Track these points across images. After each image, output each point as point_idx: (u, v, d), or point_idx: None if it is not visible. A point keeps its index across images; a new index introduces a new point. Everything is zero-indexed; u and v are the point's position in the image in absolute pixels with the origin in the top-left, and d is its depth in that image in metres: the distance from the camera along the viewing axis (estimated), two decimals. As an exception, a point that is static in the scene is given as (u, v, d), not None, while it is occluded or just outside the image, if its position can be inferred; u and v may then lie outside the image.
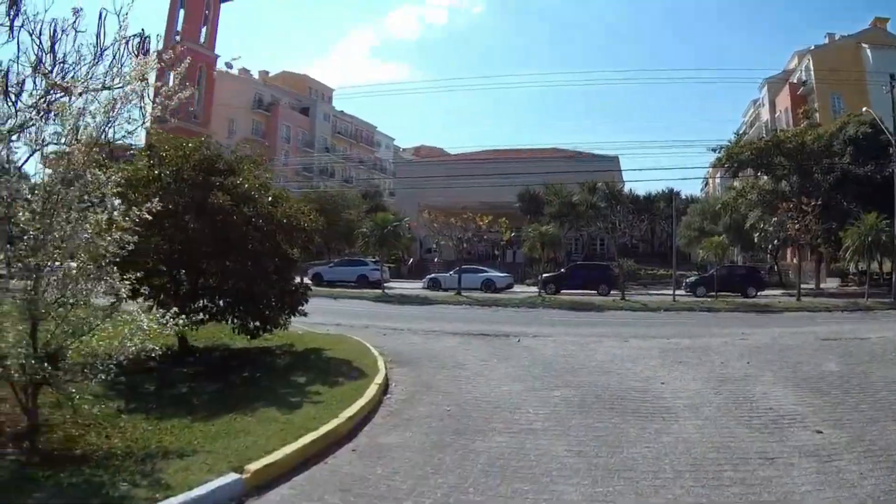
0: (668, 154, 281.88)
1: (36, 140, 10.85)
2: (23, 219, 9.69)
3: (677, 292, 51.93)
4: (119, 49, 11.65)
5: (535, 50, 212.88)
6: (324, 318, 30.30)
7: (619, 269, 53.39)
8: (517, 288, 61.01)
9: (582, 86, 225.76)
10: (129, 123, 11.74)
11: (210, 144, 20.89)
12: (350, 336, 25.06)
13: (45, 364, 9.63)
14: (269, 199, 20.34)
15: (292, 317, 21.35)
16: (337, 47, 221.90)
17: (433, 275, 63.38)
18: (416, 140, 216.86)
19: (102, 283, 10.30)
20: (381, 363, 18.78)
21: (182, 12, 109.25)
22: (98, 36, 11.46)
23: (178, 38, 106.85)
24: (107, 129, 11.17)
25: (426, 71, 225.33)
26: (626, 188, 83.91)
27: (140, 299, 18.88)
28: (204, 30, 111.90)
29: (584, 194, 71.52)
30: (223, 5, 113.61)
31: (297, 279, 24.04)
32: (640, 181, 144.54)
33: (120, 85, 11.44)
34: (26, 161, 11.02)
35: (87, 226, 10.12)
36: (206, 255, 18.79)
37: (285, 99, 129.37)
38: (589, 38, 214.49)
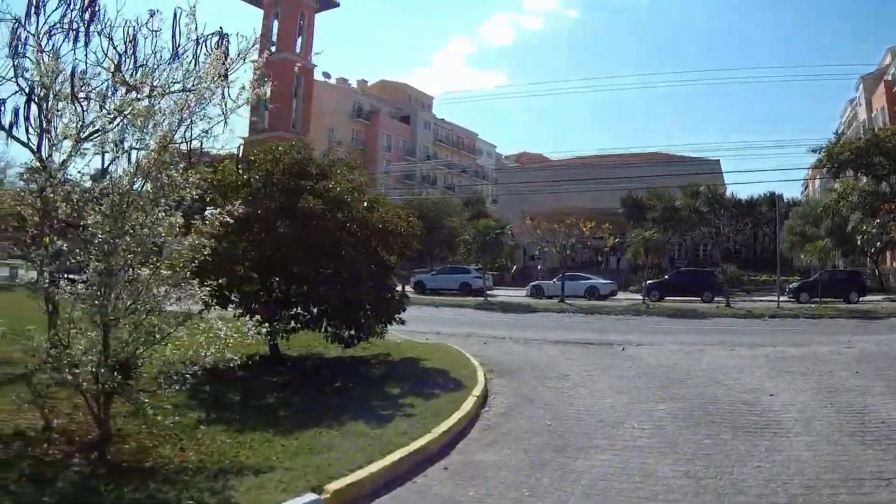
0: (768, 157, 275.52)
1: (118, 144, 10.42)
2: (91, 221, 9.21)
3: (780, 298, 50.24)
4: (197, 49, 11.27)
5: (632, 53, 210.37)
6: (424, 326, 29.81)
7: (722, 274, 51.63)
8: (620, 295, 59.58)
9: (679, 86, 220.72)
10: (205, 122, 10.96)
11: (301, 148, 20.42)
12: (449, 345, 24.37)
13: (116, 373, 9.18)
14: (364, 203, 19.84)
15: (389, 325, 20.82)
16: (435, 57, 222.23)
17: (536, 282, 62.10)
18: (517, 147, 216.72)
19: (177, 289, 9.77)
20: (480, 374, 18.06)
21: (276, 23, 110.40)
22: (174, 36, 11.23)
23: (273, 48, 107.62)
24: (181, 129, 10.57)
25: (524, 77, 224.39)
26: (728, 192, 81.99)
27: (231, 306, 18.68)
28: (300, 40, 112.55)
29: (687, 198, 69.83)
30: (319, 16, 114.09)
31: (396, 286, 23.06)
32: (741, 184, 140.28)
33: (196, 85, 10.86)
34: (108, 165, 10.67)
35: (161, 229, 9.58)
36: (297, 261, 18.34)
37: (385, 108, 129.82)
38: (685, 40, 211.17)
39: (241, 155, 19.61)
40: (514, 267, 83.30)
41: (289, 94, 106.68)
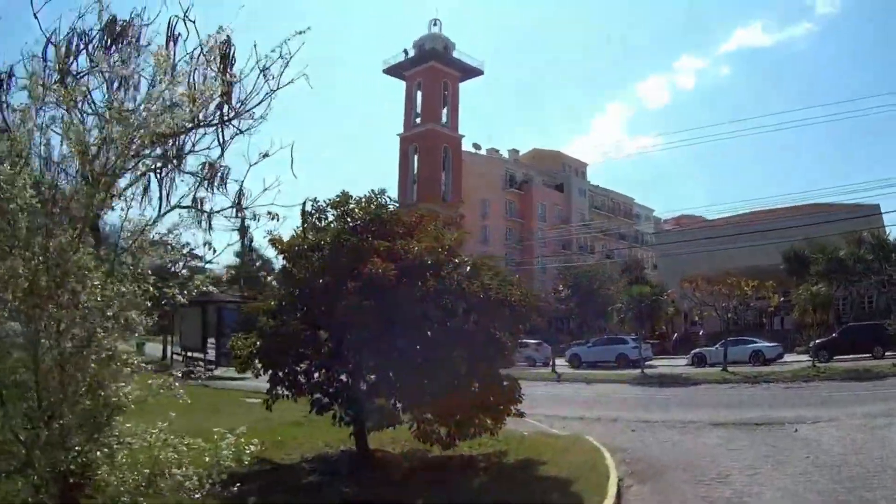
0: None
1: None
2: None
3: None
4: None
5: (787, 103, 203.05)
6: (568, 409, 27.36)
7: (891, 326, 46.71)
8: (787, 357, 55.03)
9: (830, 125, 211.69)
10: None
11: (385, 201, 17.56)
12: (587, 437, 21.06)
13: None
14: (467, 268, 16.69)
15: (503, 418, 17.31)
16: (592, 123, 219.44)
17: (697, 350, 58.30)
18: (675, 209, 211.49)
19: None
20: (612, 482, 14.68)
21: (420, 94, 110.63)
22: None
23: (418, 119, 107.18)
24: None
25: (679, 138, 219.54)
26: (891, 234, 76.56)
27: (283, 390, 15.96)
28: (445, 110, 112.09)
29: (851, 247, 65.10)
30: (467, 88, 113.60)
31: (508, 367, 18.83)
32: None
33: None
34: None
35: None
36: (365, 341, 15.43)
37: (538, 176, 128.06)
38: (834, 86, 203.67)
39: (311, 211, 16.80)
40: (675, 334, 79.47)
41: (437, 165, 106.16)
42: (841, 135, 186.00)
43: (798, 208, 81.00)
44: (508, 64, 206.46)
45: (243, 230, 13.18)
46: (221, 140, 11.03)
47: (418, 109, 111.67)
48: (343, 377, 16.45)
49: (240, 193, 11.41)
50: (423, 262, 15.78)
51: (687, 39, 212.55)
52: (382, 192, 17.48)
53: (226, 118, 11.06)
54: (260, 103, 10.87)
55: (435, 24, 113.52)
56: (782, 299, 56.96)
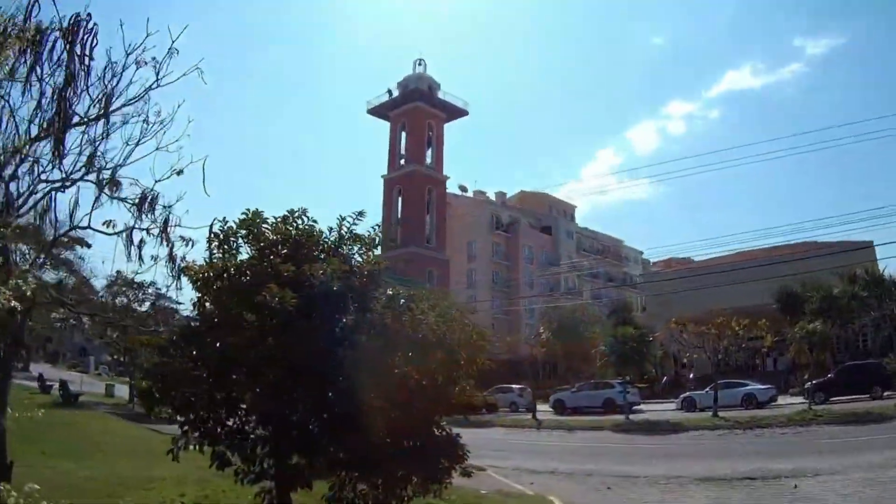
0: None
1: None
2: None
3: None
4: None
5: (776, 144, 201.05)
6: (540, 460, 24.70)
7: (891, 364, 44.72)
8: (781, 399, 52.24)
9: (819, 159, 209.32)
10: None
11: (304, 218, 14.26)
12: (552, 498, 17.80)
13: None
14: (401, 301, 13.55)
15: (445, 479, 13.70)
16: (575, 169, 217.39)
17: (686, 394, 55.34)
18: (665, 253, 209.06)
19: None
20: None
21: (404, 135, 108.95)
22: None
23: (402, 161, 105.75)
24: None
25: (668, 182, 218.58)
26: (885, 272, 74.22)
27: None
28: (429, 152, 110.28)
29: (845, 285, 62.49)
30: (453, 131, 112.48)
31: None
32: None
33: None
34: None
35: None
36: (261, 386, 12.57)
37: (525, 218, 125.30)
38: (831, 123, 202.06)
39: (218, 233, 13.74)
40: (665, 377, 75.91)
41: (421, 207, 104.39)
42: (832, 168, 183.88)
43: (789, 247, 79.12)
44: (495, 107, 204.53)
45: (172, 256, 12.92)
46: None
47: (402, 151, 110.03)
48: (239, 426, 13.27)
49: (166, 221, 12.13)
50: (331, 291, 12.60)
51: (677, 84, 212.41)
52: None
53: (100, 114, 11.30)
54: (139, 98, 11.42)
55: (420, 64, 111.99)
56: (776, 338, 53.71)
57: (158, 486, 16.34)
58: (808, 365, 49.00)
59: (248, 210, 13.75)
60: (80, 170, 12.27)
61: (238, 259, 13.59)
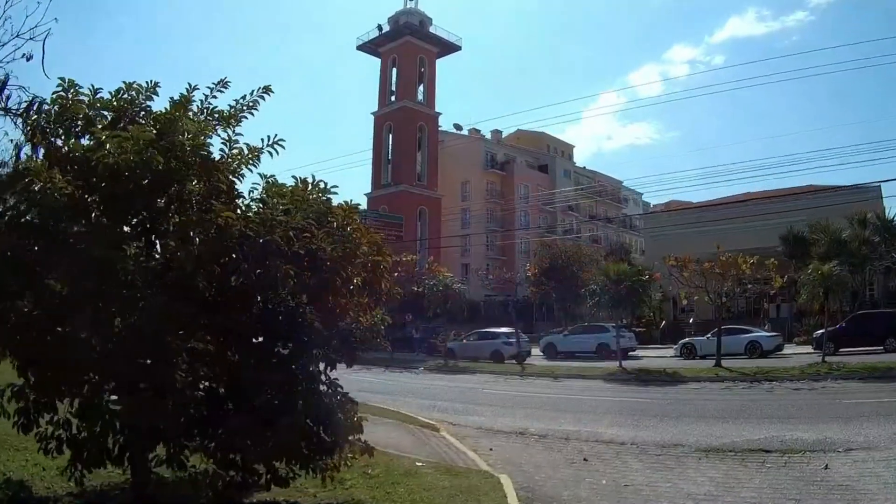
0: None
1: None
2: None
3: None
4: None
5: (781, 92, 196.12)
6: (514, 417, 21.38)
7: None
8: (786, 349, 48.34)
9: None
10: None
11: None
12: (504, 475, 13.24)
13: None
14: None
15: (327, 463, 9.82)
16: (576, 113, 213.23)
17: (686, 340, 51.41)
18: (665, 197, 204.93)
19: None
20: None
21: (395, 71, 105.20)
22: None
23: (393, 97, 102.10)
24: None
25: (670, 129, 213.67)
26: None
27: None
28: (421, 88, 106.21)
29: (855, 228, 58.27)
30: (448, 73, 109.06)
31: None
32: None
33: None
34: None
35: None
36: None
37: (521, 157, 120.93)
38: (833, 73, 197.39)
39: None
40: (663, 322, 72.25)
41: (412, 144, 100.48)
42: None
43: (796, 189, 75.35)
44: (493, 50, 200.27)
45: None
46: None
47: (393, 87, 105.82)
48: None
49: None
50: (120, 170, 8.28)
51: (679, 28, 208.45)
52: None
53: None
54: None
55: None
56: (786, 278, 49.26)
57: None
58: (819, 311, 44.75)
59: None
60: None
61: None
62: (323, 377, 9.73)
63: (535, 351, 54.39)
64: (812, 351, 43.74)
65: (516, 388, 33.13)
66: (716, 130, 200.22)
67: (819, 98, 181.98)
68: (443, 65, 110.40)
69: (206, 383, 9.30)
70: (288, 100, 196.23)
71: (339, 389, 9.71)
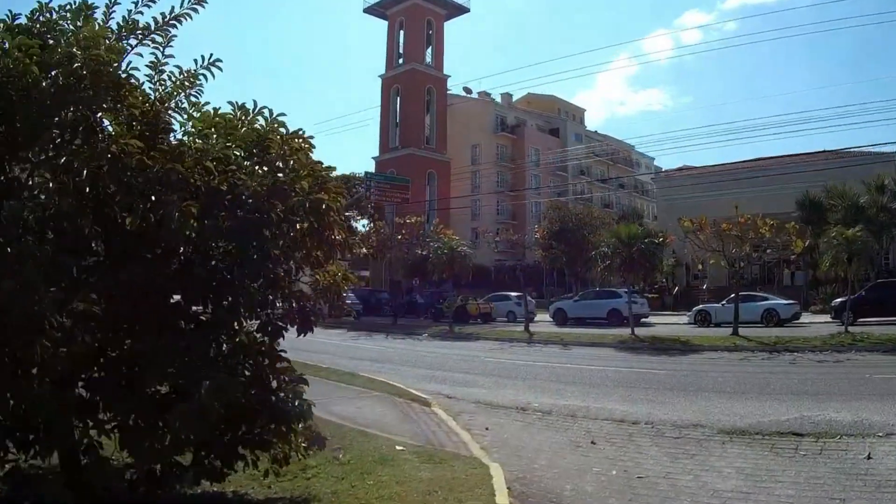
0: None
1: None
2: None
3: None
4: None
5: (794, 58, 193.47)
6: (517, 389, 20.01)
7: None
8: (803, 318, 46.76)
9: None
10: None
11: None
12: (495, 465, 11.21)
13: None
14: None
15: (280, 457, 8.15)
16: (588, 78, 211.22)
17: (700, 306, 49.64)
18: (677, 161, 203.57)
19: None
20: None
21: (402, 34, 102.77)
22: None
23: (401, 60, 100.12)
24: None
25: (683, 94, 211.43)
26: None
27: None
28: (429, 51, 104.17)
29: (873, 194, 56.39)
30: (459, 36, 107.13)
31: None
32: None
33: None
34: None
35: None
36: None
37: (532, 120, 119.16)
38: (843, 42, 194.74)
39: None
40: (676, 288, 70.86)
41: (420, 107, 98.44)
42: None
43: (809, 154, 73.48)
44: (504, 11, 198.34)
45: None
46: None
47: (401, 50, 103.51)
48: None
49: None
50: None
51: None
52: None
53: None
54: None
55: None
56: (808, 243, 47.34)
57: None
58: (830, 280, 42.85)
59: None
60: None
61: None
62: (263, 349, 7.82)
63: (546, 317, 53.18)
64: (830, 320, 42.32)
65: (523, 356, 31.26)
66: (730, 95, 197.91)
67: (833, 59, 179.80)
68: (451, 27, 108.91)
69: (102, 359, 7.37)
70: (293, 64, 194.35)
71: (282, 365, 7.80)
